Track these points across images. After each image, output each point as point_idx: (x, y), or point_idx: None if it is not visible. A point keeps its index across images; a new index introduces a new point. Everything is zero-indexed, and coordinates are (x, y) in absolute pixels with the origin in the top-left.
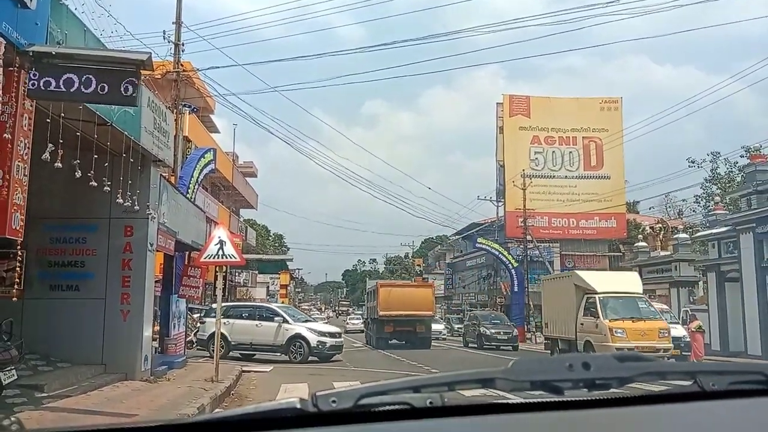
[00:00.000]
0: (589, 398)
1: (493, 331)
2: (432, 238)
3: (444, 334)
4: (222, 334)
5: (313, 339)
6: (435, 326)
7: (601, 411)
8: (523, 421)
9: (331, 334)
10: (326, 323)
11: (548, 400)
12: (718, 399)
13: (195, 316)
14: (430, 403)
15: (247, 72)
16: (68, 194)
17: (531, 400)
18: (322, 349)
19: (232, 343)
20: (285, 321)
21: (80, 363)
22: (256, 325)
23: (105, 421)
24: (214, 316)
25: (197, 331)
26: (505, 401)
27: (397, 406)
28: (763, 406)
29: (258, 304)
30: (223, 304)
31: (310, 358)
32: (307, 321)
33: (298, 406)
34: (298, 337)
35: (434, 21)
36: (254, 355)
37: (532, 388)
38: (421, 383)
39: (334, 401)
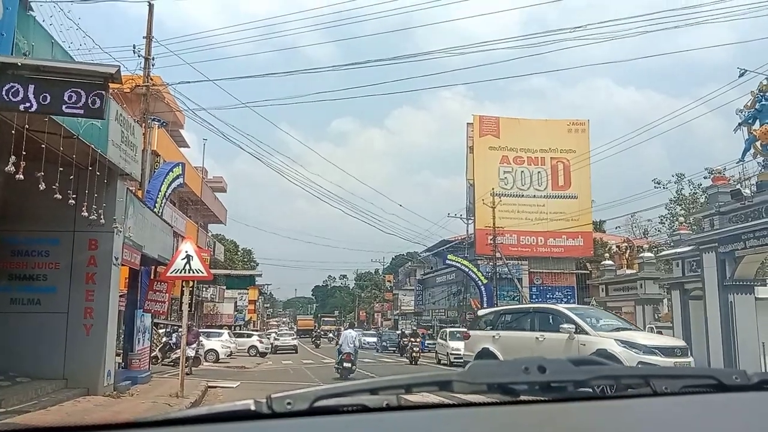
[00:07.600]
0: (543, 399)
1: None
2: (402, 254)
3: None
4: (490, 352)
5: (631, 359)
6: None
7: (554, 405)
8: (477, 414)
9: (667, 351)
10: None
11: (503, 400)
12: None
13: (161, 331)
14: (387, 404)
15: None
16: (31, 207)
17: (486, 400)
18: None
19: None
20: (580, 330)
21: (40, 377)
22: (537, 338)
23: None
24: (484, 328)
25: (162, 346)
26: (460, 402)
27: (353, 408)
28: (711, 402)
29: (537, 305)
30: (490, 309)
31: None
32: (618, 329)
33: (253, 407)
34: (603, 356)
35: (404, 41)
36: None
37: (488, 390)
38: (377, 385)
39: (289, 403)
